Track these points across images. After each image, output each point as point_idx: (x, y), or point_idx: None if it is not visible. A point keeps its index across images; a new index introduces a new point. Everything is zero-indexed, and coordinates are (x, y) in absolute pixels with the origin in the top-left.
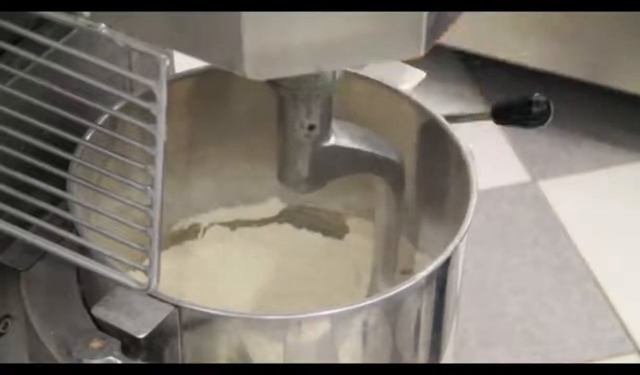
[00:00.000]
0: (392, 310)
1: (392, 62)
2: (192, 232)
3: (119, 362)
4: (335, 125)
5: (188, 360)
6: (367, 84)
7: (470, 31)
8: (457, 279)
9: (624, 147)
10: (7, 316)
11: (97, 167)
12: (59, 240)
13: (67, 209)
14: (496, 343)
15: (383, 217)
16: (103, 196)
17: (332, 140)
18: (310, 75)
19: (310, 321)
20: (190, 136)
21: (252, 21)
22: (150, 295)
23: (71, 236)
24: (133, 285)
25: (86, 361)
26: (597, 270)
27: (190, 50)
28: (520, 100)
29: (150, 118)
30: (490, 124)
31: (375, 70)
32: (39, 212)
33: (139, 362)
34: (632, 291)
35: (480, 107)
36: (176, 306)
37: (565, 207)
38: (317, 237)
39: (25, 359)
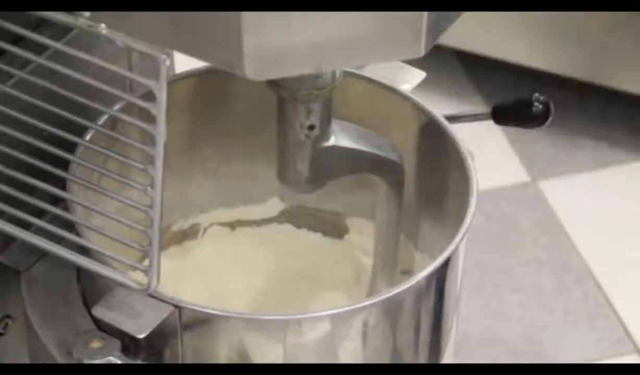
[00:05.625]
0: (392, 310)
1: (392, 62)
2: (192, 232)
3: (119, 362)
4: (335, 125)
5: (188, 360)
6: (367, 84)
7: (470, 31)
8: (457, 279)
9: (623, 147)
10: (7, 316)
11: (97, 167)
12: (59, 240)
13: (67, 209)
14: (496, 343)
15: (383, 217)
16: (103, 196)
17: (332, 141)
18: (310, 75)
19: (310, 321)
20: (190, 136)
21: (252, 21)
22: (151, 296)
23: (71, 236)
24: (133, 285)
25: (86, 361)
26: (597, 270)
27: (190, 50)
28: (520, 100)
29: (150, 118)
30: (490, 124)
31: (375, 70)
32: (39, 212)
33: (139, 362)
34: (632, 291)
35: (480, 107)
36: (176, 306)
37: (565, 207)
38: (317, 237)
39: (25, 359)
